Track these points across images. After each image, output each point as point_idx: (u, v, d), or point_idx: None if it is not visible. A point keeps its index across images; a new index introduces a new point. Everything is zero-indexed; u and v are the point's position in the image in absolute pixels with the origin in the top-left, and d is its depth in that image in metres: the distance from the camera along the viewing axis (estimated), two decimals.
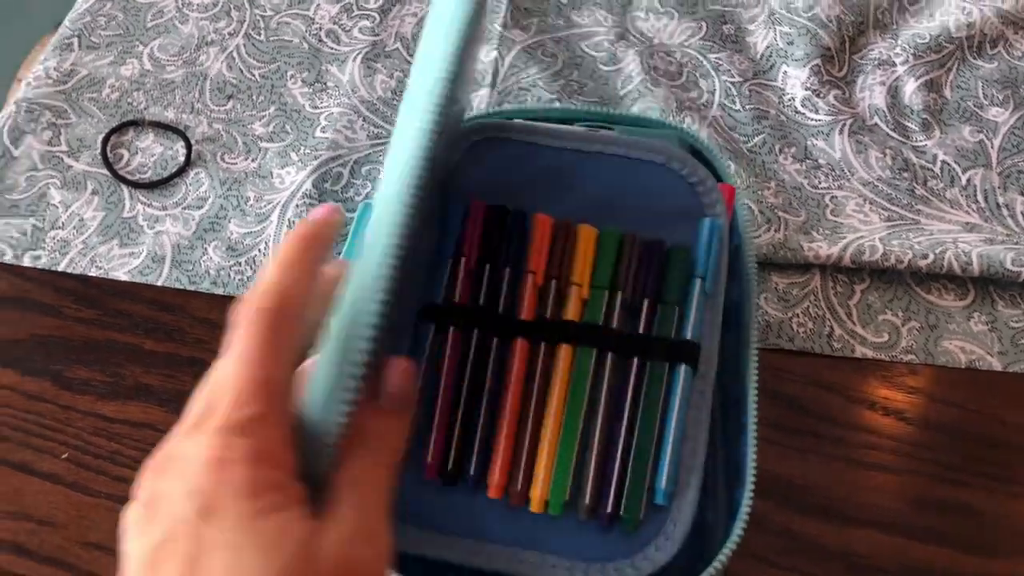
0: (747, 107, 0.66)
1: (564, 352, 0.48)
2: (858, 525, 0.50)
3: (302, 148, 0.63)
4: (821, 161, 0.64)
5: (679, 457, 0.46)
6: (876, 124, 0.65)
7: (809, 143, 0.65)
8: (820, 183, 0.63)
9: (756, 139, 0.65)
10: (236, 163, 0.63)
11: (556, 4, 0.71)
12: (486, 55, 0.68)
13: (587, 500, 0.45)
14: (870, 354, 0.56)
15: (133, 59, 0.68)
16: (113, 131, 0.63)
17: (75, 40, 0.69)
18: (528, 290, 0.49)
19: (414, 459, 0.46)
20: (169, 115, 0.65)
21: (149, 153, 0.63)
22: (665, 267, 0.49)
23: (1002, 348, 0.56)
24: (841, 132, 0.65)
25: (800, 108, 0.66)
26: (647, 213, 0.51)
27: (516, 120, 0.55)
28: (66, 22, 0.70)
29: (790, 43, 0.69)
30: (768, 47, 0.69)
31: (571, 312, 0.49)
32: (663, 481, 0.45)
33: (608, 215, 0.51)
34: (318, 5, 0.71)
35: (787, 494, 0.51)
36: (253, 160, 0.63)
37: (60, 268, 0.59)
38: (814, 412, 0.54)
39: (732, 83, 0.67)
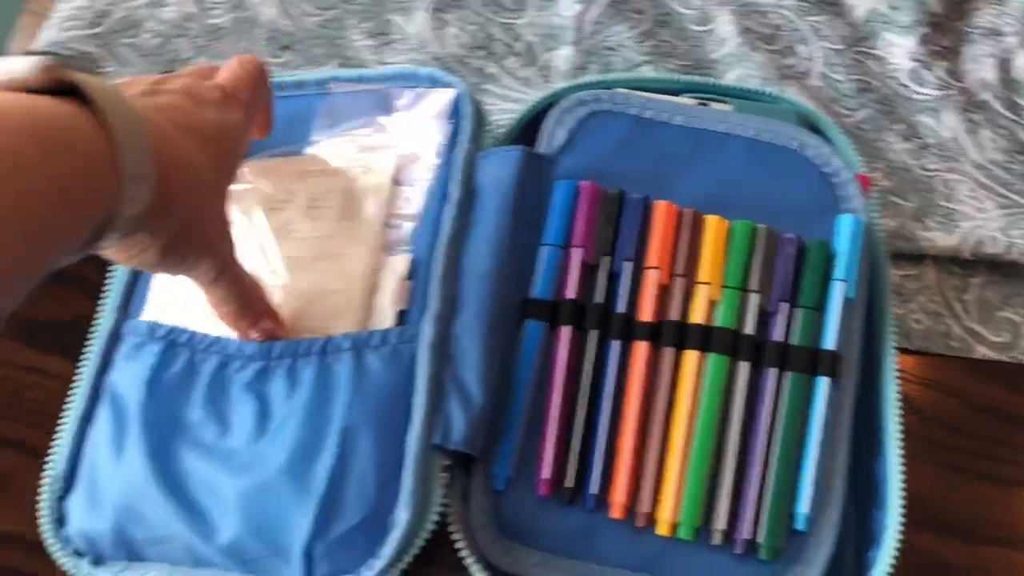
0: (850, 77, 0.61)
1: (692, 359, 0.43)
2: (989, 543, 0.47)
3: None
4: (930, 140, 0.59)
5: (820, 478, 0.42)
6: (987, 101, 0.61)
7: (916, 120, 0.60)
8: (930, 165, 0.58)
9: (861, 113, 0.60)
10: None
11: None
12: (567, 9, 0.62)
13: (722, 524, 0.41)
14: (991, 355, 0.52)
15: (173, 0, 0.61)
16: None
17: None
18: (650, 288, 0.44)
19: (526, 473, 0.42)
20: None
21: None
22: (802, 266, 0.45)
23: None
24: (951, 109, 0.60)
25: (906, 81, 0.61)
26: (775, 204, 0.46)
27: (624, 91, 0.49)
28: None
29: (894, 8, 0.63)
30: (869, 11, 0.64)
31: (698, 314, 0.44)
32: (804, 505, 0.41)
33: (731, 205, 0.46)
34: None
35: (907, 509, 0.47)
36: None
37: None
38: (933, 418, 0.51)
39: (833, 50, 0.62)
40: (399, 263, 0.45)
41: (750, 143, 0.47)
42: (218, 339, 0.43)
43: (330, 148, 0.49)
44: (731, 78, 0.60)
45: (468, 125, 0.47)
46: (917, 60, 0.61)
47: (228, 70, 0.42)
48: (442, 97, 0.49)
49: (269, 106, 0.45)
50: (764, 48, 0.61)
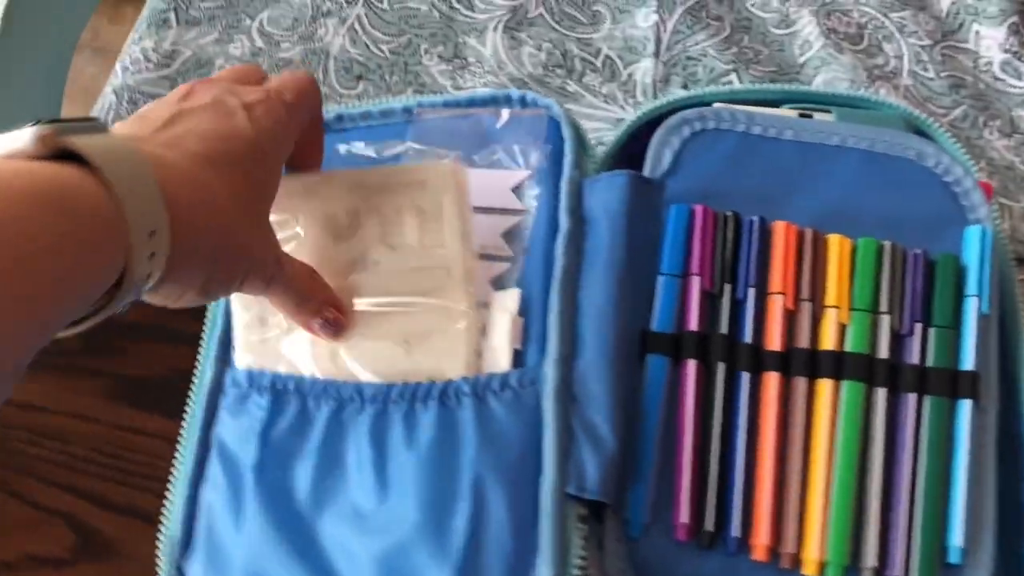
0: (941, 74, 0.59)
1: (826, 388, 0.41)
2: None
3: None
4: None
5: (970, 507, 0.40)
6: None
7: (1015, 114, 0.57)
8: None
9: (956, 111, 0.57)
10: None
11: None
12: (644, 19, 0.60)
13: (872, 561, 0.39)
14: None
15: (241, 35, 0.59)
16: None
17: (171, 15, 0.60)
18: (776, 315, 0.43)
19: (661, 517, 0.40)
20: None
21: None
22: (931, 283, 0.43)
23: None
24: None
25: (1000, 74, 0.59)
26: (896, 219, 0.44)
27: (727, 106, 0.47)
28: None
29: None
30: (954, 3, 0.61)
31: (829, 340, 0.42)
32: (957, 537, 0.39)
33: (850, 222, 0.44)
34: None
35: None
36: None
37: None
38: None
39: (921, 46, 0.60)
40: (510, 299, 0.43)
41: (865, 155, 0.45)
42: (331, 383, 0.42)
43: None
44: (819, 82, 0.58)
45: (570, 150, 0.45)
46: (1009, 51, 0.59)
47: (277, 79, 0.41)
48: (536, 120, 0.47)
49: (319, 130, 0.43)
50: (850, 49, 0.59)
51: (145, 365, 0.49)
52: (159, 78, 0.57)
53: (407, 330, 0.42)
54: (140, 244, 0.29)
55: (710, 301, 0.43)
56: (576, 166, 0.45)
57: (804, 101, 0.49)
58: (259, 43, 0.59)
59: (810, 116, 0.48)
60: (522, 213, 0.45)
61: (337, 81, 0.58)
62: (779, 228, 0.44)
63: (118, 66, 0.58)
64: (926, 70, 0.59)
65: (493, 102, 0.48)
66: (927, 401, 0.41)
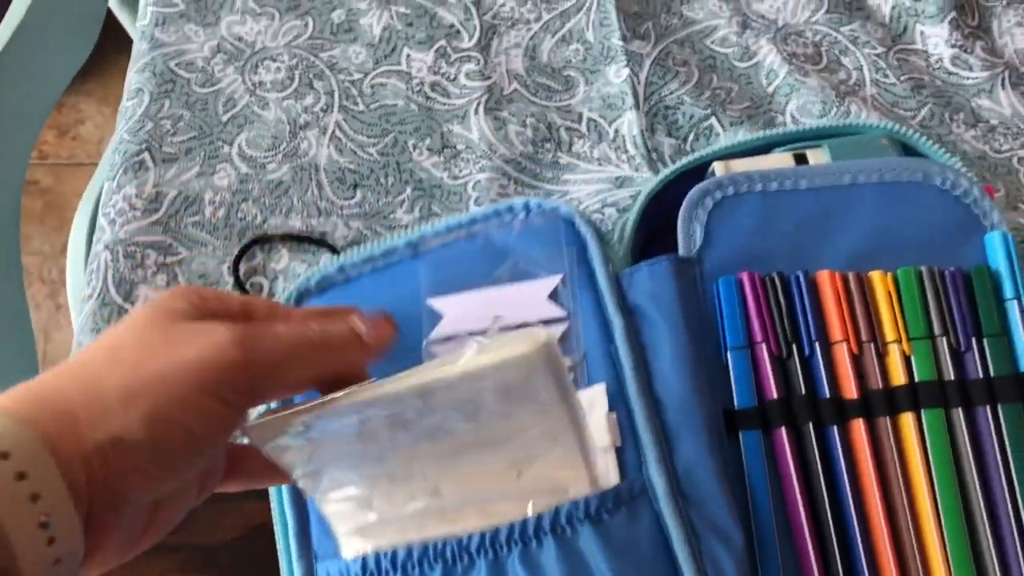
0: (901, 78, 0.62)
1: (907, 421, 0.43)
2: None
3: None
4: (994, 122, 0.60)
5: None
6: None
7: (975, 104, 0.61)
8: (1002, 146, 0.59)
9: (923, 112, 0.60)
10: None
11: (663, 1, 0.64)
12: (616, 75, 0.61)
13: None
14: None
15: (223, 164, 0.57)
16: (239, 257, 0.54)
17: (145, 155, 0.57)
18: (845, 363, 0.44)
19: None
20: (295, 223, 0.55)
21: (292, 274, 0.53)
22: (972, 296, 0.45)
23: None
24: (1003, 86, 0.61)
25: (952, 68, 0.62)
26: (921, 242, 0.47)
27: (741, 169, 0.49)
28: (124, 135, 0.58)
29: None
30: (895, 7, 0.65)
31: (898, 375, 0.44)
32: None
33: (882, 255, 0.46)
34: (408, 56, 0.61)
35: None
36: None
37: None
38: None
39: (876, 55, 0.62)
40: (598, 395, 0.43)
41: (878, 187, 0.48)
42: (427, 547, 0.39)
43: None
44: (792, 108, 0.60)
45: (595, 246, 0.46)
46: (955, 46, 0.63)
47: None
48: (551, 224, 0.47)
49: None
50: (813, 70, 0.61)
51: (214, 531, 0.48)
52: (150, 225, 0.55)
53: (515, 457, 0.39)
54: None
55: (779, 364, 0.44)
56: (606, 262, 0.46)
57: (793, 141, 0.51)
58: (244, 168, 0.58)
59: (804, 155, 0.50)
60: (566, 320, 0.45)
61: (334, 193, 0.57)
62: (823, 277, 0.45)
63: (103, 220, 0.55)
64: (887, 77, 0.62)
65: (496, 216, 0.48)
66: (1000, 410, 0.43)
